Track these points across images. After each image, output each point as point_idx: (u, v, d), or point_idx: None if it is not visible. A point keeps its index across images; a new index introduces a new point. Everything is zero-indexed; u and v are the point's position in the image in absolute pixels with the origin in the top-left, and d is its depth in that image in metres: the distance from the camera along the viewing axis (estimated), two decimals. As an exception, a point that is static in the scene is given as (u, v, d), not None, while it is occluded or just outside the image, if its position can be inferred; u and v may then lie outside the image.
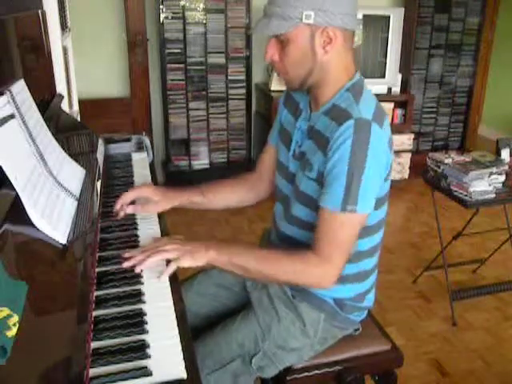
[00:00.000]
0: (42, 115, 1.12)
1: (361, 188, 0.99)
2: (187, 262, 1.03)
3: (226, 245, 1.09)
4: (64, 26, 1.94)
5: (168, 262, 1.04)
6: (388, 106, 3.53)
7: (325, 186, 1.03)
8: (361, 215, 1.02)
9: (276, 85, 3.29)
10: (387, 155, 1.04)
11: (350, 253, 1.06)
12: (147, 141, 1.72)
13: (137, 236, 1.17)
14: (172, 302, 0.95)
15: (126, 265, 1.02)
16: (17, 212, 0.81)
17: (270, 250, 1.10)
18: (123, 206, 1.23)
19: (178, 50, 3.25)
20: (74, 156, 1.19)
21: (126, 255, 1.05)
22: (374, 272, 1.22)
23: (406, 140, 3.56)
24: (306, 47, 1.02)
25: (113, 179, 1.48)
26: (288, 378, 1.19)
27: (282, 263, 1.05)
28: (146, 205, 1.25)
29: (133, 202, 1.25)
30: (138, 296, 0.95)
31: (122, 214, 1.22)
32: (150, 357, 0.80)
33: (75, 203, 1.02)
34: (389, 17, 3.33)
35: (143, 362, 0.79)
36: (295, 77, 1.07)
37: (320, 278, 1.05)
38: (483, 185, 2.05)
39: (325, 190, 1.03)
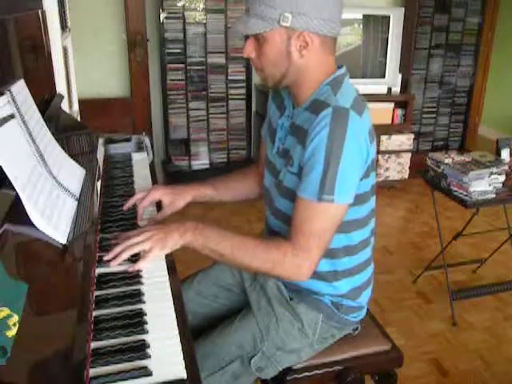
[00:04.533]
0: (42, 115, 1.12)
1: (338, 177, 0.97)
2: (158, 252, 1.02)
3: (204, 228, 1.06)
4: (64, 25, 1.94)
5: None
6: (388, 106, 3.53)
7: (302, 175, 1.02)
8: (338, 206, 1.00)
9: (276, 85, 3.29)
10: (367, 145, 1.02)
11: (327, 244, 1.04)
12: (147, 141, 1.72)
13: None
14: (172, 301, 0.95)
15: (112, 264, 1.01)
16: (17, 212, 0.81)
17: (247, 237, 1.07)
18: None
19: (178, 50, 3.25)
20: (74, 156, 1.19)
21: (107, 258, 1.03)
22: (369, 266, 1.22)
23: (405, 140, 3.56)
24: (281, 49, 1.02)
25: (113, 179, 1.48)
26: (288, 377, 1.19)
27: (259, 252, 1.03)
28: (161, 210, 1.25)
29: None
30: (137, 296, 0.94)
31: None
32: (150, 357, 0.80)
33: (75, 203, 1.02)
34: (389, 17, 3.33)
35: (143, 362, 0.79)
36: (270, 76, 1.07)
37: (295, 269, 1.03)
38: (483, 185, 2.05)
39: (302, 180, 1.02)
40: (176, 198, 1.27)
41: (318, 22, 0.98)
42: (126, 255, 1.01)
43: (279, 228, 1.19)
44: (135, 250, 1.02)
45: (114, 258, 1.02)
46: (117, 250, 1.02)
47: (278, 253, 1.03)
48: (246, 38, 1.08)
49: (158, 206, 1.30)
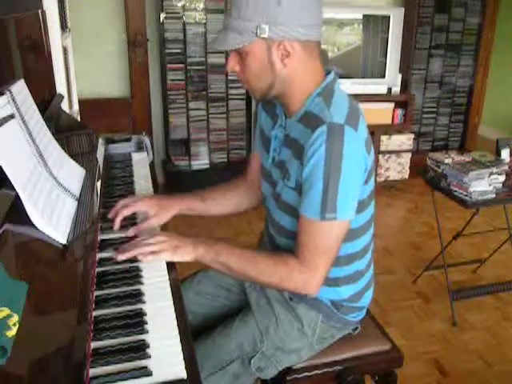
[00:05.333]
0: (42, 115, 1.12)
1: (339, 194, 0.97)
2: (167, 257, 1.04)
3: (213, 242, 1.07)
4: (64, 26, 1.94)
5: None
6: (388, 106, 3.53)
7: (302, 193, 1.02)
8: (341, 222, 1.00)
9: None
10: (365, 158, 1.02)
11: (333, 258, 1.04)
12: (147, 141, 1.72)
13: (137, 236, 1.17)
14: (172, 301, 0.95)
15: (119, 258, 1.02)
16: (17, 212, 0.81)
17: (257, 252, 1.09)
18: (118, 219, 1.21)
19: (178, 50, 3.25)
20: (74, 156, 1.19)
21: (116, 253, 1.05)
22: (369, 271, 1.22)
23: (405, 140, 3.56)
24: (263, 61, 1.00)
25: (113, 179, 1.48)
26: (288, 378, 1.19)
27: (266, 267, 1.04)
28: (145, 221, 1.22)
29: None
30: (138, 296, 0.95)
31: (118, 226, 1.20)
32: (150, 357, 0.80)
33: (75, 203, 1.02)
34: (389, 17, 3.33)
35: (143, 362, 0.79)
36: (256, 88, 1.06)
37: (303, 285, 1.04)
38: (483, 185, 2.05)
39: (303, 198, 1.01)
40: (160, 212, 1.23)
41: (297, 29, 0.97)
42: (135, 252, 1.02)
43: (278, 239, 1.19)
44: (146, 250, 1.03)
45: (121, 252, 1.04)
46: (129, 245, 1.04)
47: (286, 269, 1.03)
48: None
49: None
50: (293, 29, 0.96)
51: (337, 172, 0.96)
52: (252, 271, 1.05)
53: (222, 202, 1.34)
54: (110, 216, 1.21)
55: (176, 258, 1.05)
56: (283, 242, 1.16)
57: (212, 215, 1.35)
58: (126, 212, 1.20)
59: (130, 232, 1.16)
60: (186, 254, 1.05)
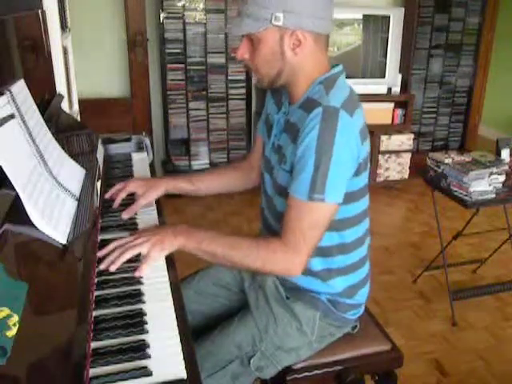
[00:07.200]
0: (42, 115, 1.12)
1: (329, 176, 0.98)
2: (158, 254, 1.03)
3: (195, 230, 1.08)
4: (64, 26, 1.94)
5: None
6: (388, 106, 3.53)
7: (294, 174, 1.03)
8: (329, 204, 1.01)
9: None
10: (358, 146, 1.03)
11: (317, 242, 1.05)
12: (147, 141, 1.72)
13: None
14: (172, 302, 0.95)
15: (102, 267, 1.00)
16: (17, 212, 0.81)
17: (239, 236, 1.09)
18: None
19: (178, 50, 3.25)
20: (74, 156, 1.19)
21: (101, 254, 1.03)
22: (364, 266, 1.22)
23: (405, 140, 3.55)
24: (275, 48, 1.03)
25: (113, 179, 1.48)
26: (288, 377, 1.19)
27: (250, 250, 1.05)
28: (136, 202, 1.26)
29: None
30: (138, 296, 0.94)
31: (125, 216, 1.23)
32: (150, 357, 0.80)
33: (75, 203, 1.02)
34: (389, 17, 3.33)
35: (143, 362, 0.79)
36: (265, 75, 1.09)
37: (286, 266, 1.05)
38: (483, 185, 2.05)
39: (293, 179, 1.03)
40: (148, 190, 1.28)
41: (310, 20, 1.00)
42: (125, 258, 1.01)
43: (274, 225, 1.19)
44: (134, 252, 1.02)
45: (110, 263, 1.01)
46: (114, 254, 1.02)
47: (268, 250, 1.04)
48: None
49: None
50: (307, 19, 0.99)
51: (328, 153, 0.98)
52: (236, 256, 1.05)
53: (212, 184, 1.38)
54: (106, 196, 1.29)
55: (164, 254, 1.05)
56: (279, 228, 1.16)
57: (203, 195, 1.40)
58: (122, 194, 1.27)
59: (124, 215, 1.21)
60: (170, 245, 1.05)
